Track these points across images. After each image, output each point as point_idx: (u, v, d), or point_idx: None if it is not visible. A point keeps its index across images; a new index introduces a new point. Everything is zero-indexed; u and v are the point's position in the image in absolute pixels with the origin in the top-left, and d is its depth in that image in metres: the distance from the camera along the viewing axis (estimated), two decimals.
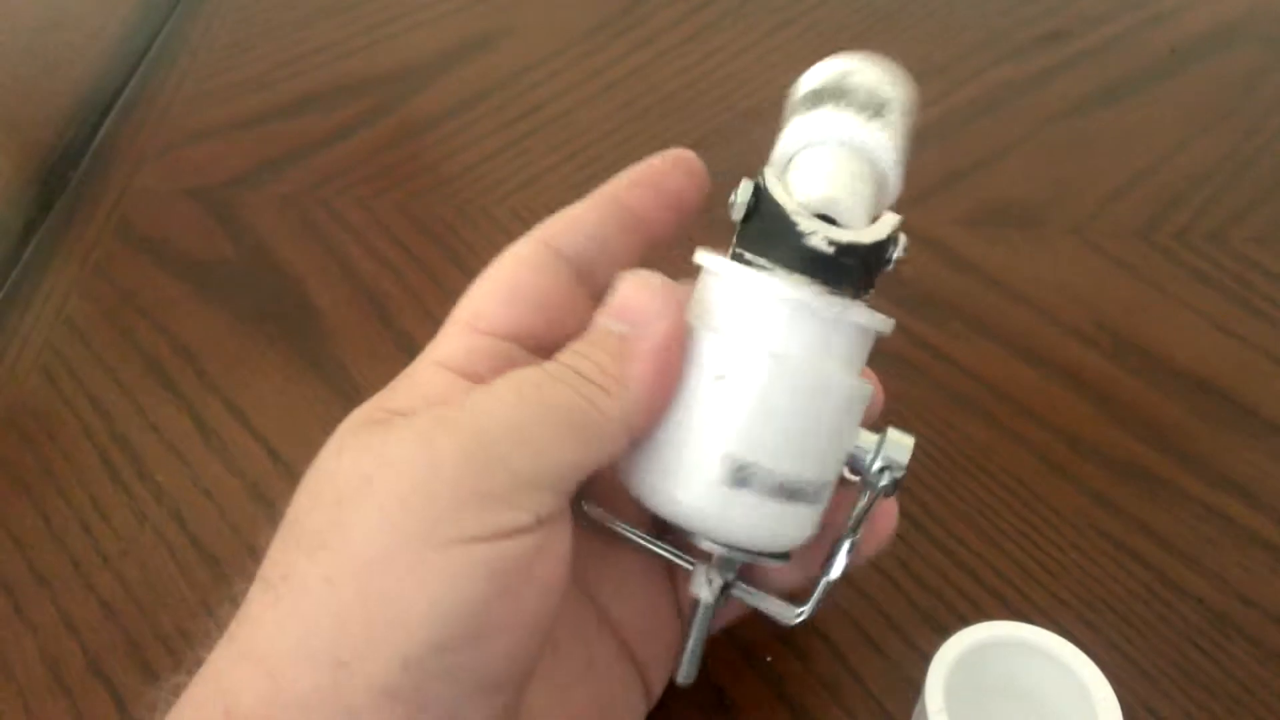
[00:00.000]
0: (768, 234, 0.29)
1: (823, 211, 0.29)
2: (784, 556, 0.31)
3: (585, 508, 0.32)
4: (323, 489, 0.27)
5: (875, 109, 0.30)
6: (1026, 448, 0.42)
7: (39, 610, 0.39)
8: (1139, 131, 0.55)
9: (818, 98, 0.30)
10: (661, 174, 0.33)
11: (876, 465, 0.30)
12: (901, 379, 0.44)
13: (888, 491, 0.30)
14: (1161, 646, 0.36)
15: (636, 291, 0.28)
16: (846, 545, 0.31)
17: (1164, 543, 0.39)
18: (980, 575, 0.38)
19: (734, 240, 0.30)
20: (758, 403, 0.28)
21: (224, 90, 0.62)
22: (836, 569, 0.31)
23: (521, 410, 0.26)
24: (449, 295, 0.31)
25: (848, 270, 0.28)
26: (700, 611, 0.32)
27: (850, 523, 0.31)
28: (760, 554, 0.30)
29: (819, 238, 0.28)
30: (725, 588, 0.31)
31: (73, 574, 0.40)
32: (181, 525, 0.41)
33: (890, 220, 0.29)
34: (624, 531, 0.32)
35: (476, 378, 0.28)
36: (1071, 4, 0.63)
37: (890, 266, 0.29)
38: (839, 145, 0.30)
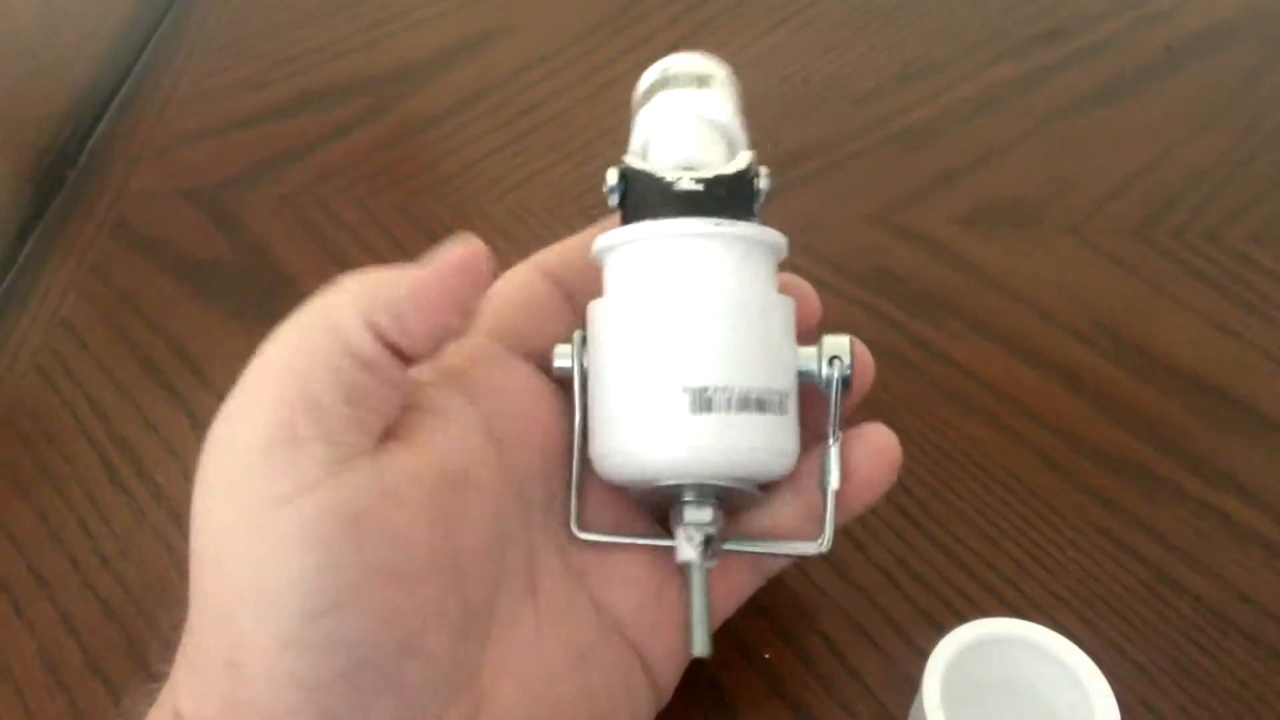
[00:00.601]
0: (645, 201, 0.31)
1: (687, 167, 0.32)
2: (751, 487, 0.32)
3: (579, 534, 0.32)
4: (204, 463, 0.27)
5: (700, 81, 0.34)
6: (1024, 446, 0.42)
7: (37, 610, 0.39)
8: (1136, 130, 0.55)
9: (650, 91, 0.34)
10: None
11: (824, 366, 0.32)
12: (899, 378, 0.44)
13: (844, 387, 0.32)
14: (1159, 643, 0.36)
15: (462, 249, 0.29)
16: (834, 450, 0.32)
17: (1162, 540, 0.39)
18: (978, 573, 0.38)
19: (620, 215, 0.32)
20: (691, 331, 0.30)
21: (221, 90, 0.61)
22: (833, 476, 0.32)
23: (298, 342, 0.27)
24: None
25: (724, 201, 0.31)
26: (694, 575, 0.31)
27: (831, 426, 0.32)
28: (742, 483, 0.31)
29: (686, 180, 0.31)
30: (708, 542, 0.31)
31: (71, 573, 0.40)
32: (179, 525, 0.41)
33: (745, 155, 0.32)
34: (624, 541, 0.33)
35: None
36: (1069, 3, 0.63)
37: (762, 197, 0.32)
38: (681, 117, 0.33)
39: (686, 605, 0.32)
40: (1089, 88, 0.58)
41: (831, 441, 0.32)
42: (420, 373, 0.30)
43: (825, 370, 0.32)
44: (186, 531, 0.40)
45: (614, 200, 0.32)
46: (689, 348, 0.30)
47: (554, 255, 0.34)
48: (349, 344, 0.27)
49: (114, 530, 0.41)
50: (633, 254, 0.31)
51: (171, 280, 0.51)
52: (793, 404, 0.31)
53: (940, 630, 0.32)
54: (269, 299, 0.50)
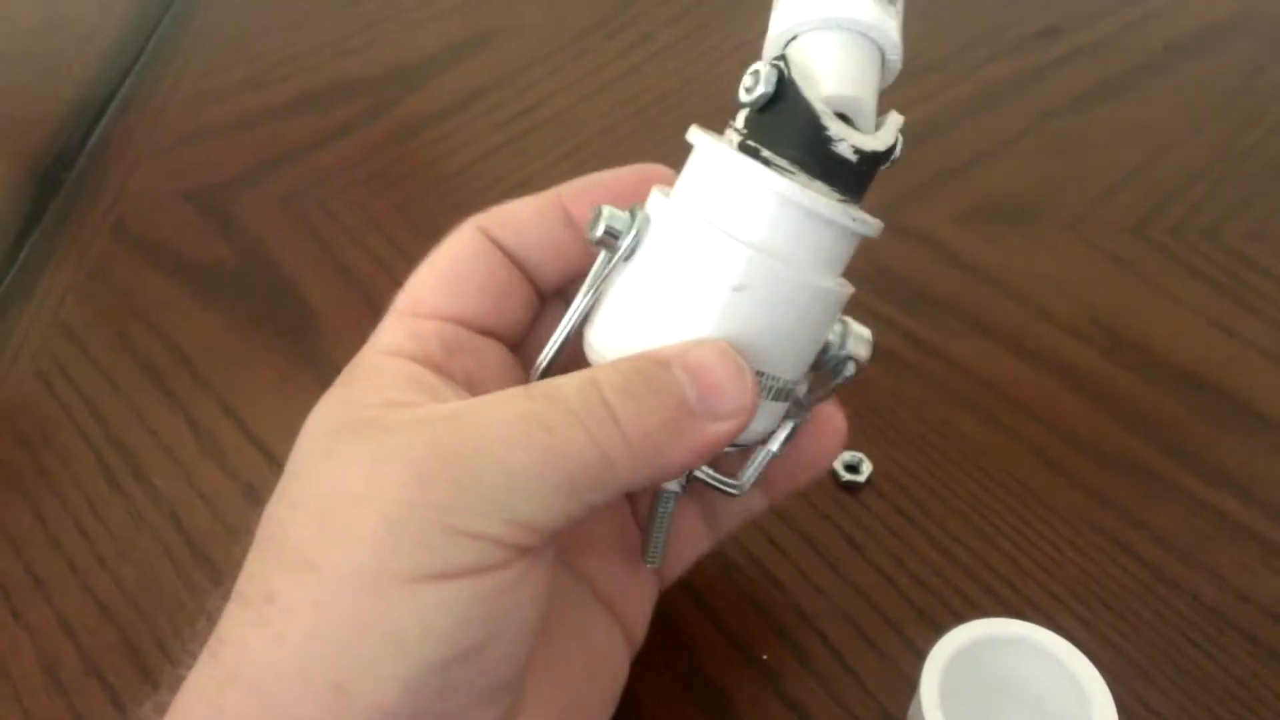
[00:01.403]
0: (788, 132, 0.27)
1: (841, 109, 0.27)
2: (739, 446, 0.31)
3: None
4: (305, 500, 0.26)
5: None
6: (1022, 444, 0.42)
7: (35, 612, 0.39)
8: (1133, 128, 0.55)
9: None
10: (620, 182, 0.32)
11: (841, 354, 0.30)
12: (896, 376, 0.44)
13: (846, 382, 0.30)
14: (1157, 642, 0.36)
15: (729, 374, 0.27)
16: (792, 425, 0.31)
17: (1159, 539, 0.39)
18: (976, 572, 0.38)
19: (740, 125, 0.28)
20: (779, 320, 0.28)
21: (219, 91, 0.62)
22: (777, 444, 0.31)
23: (527, 457, 0.25)
24: None
25: (862, 178, 0.28)
26: (666, 501, 0.31)
27: (805, 405, 0.31)
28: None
29: (846, 145, 0.27)
30: (687, 475, 0.31)
31: (69, 576, 0.40)
32: (178, 527, 0.41)
33: (895, 121, 0.29)
34: None
35: (433, 362, 0.29)
36: (1065, 1, 0.63)
37: (889, 165, 0.29)
38: (849, 32, 0.28)
39: (649, 520, 0.31)
40: (1086, 86, 0.58)
41: (798, 420, 0.31)
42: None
43: (838, 356, 0.30)
44: (184, 533, 0.40)
45: (751, 98, 0.27)
46: (772, 335, 0.28)
47: (500, 221, 0.31)
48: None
49: (112, 532, 0.41)
50: (771, 209, 0.27)
51: (170, 282, 0.51)
52: (801, 388, 0.31)
53: (938, 630, 0.32)
54: (267, 300, 0.50)
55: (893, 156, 0.28)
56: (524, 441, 0.25)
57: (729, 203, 0.27)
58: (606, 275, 0.29)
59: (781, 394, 0.29)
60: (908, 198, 0.52)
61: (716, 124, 0.57)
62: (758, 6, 0.67)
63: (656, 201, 0.29)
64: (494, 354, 0.31)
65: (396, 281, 0.49)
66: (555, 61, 0.62)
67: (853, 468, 0.41)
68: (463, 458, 0.25)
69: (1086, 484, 0.41)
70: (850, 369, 0.30)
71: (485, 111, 0.59)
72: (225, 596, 0.27)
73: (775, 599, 0.38)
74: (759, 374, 0.27)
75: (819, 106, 0.27)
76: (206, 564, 0.40)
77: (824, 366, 0.30)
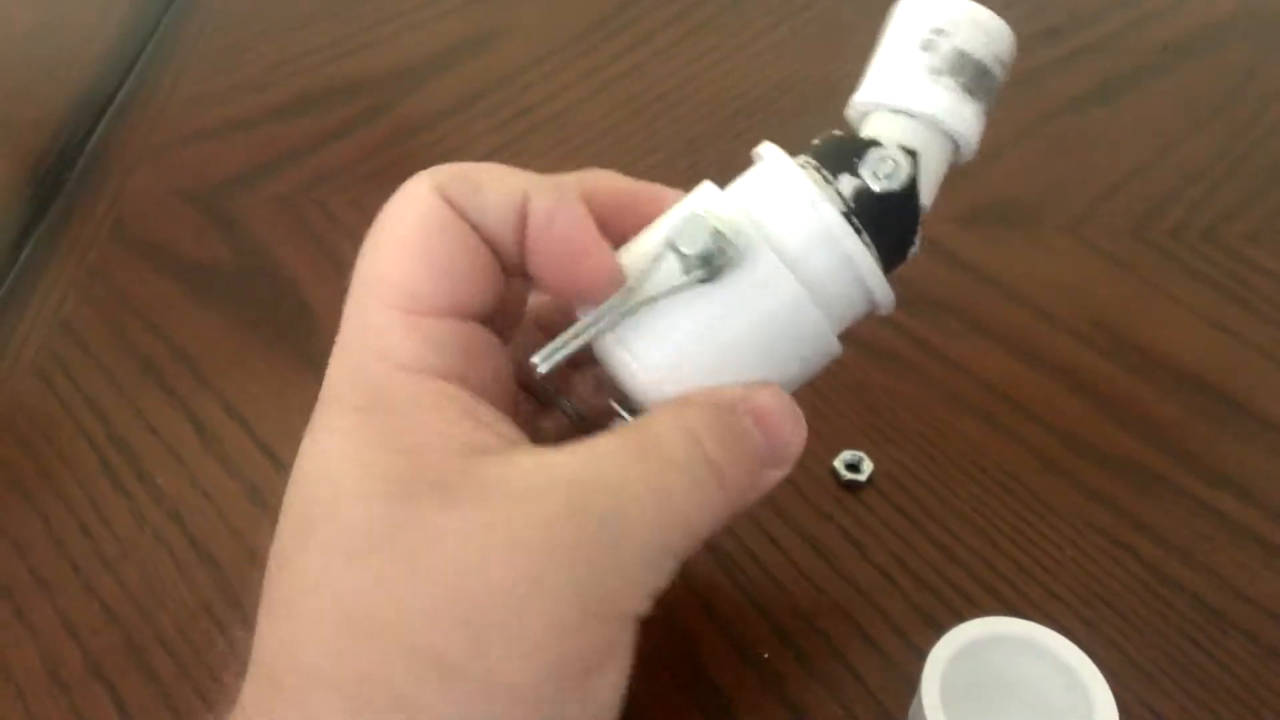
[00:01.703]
0: (890, 226, 0.29)
1: (904, 146, 0.29)
2: None
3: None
4: (420, 584, 0.23)
5: (987, 93, 0.30)
6: (1022, 445, 0.42)
7: (39, 613, 0.39)
8: (1133, 129, 0.55)
9: (942, 60, 0.30)
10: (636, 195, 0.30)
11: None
12: (897, 377, 0.44)
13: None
14: (1158, 642, 0.36)
15: (792, 426, 0.28)
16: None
17: (1160, 539, 0.39)
18: (976, 572, 0.38)
19: (849, 196, 0.29)
20: (804, 376, 0.29)
21: (219, 92, 0.62)
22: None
23: (663, 533, 0.25)
24: None
25: (899, 265, 0.30)
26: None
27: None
28: None
29: (914, 250, 0.30)
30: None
31: (72, 576, 0.40)
32: (181, 527, 0.41)
33: (930, 201, 0.31)
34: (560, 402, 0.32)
35: (456, 374, 0.26)
36: (1065, 2, 0.63)
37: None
38: (952, 152, 0.30)
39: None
40: (1086, 87, 0.58)
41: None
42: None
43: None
44: (187, 533, 0.41)
45: (880, 188, 0.28)
46: (779, 365, 0.28)
47: (465, 191, 0.27)
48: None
49: (114, 532, 0.41)
50: (835, 258, 0.28)
51: (171, 282, 0.51)
52: None
53: (939, 630, 0.32)
54: (268, 300, 0.50)
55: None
56: (661, 520, 0.25)
57: (823, 269, 0.28)
58: (670, 291, 0.27)
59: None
60: None
61: (716, 124, 0.57)
62: (756, 6, 0.67)
63: (750, 238, 0.28)
64: (495, 352, 0.29)
65: None
66: (554, 62, 0.62)
67: (854, 467, 0.41)
68: (608, 542, 0.24)
69: (1087, 484, 0.41)
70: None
71: (484, 112, 0.59)
72: (245, 625, 0.26)
73: (775, 598, 0.38)
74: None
75: (925, 203, 0.29)
76: (210, 564, 0.40)
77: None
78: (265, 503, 0.41)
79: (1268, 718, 0.34)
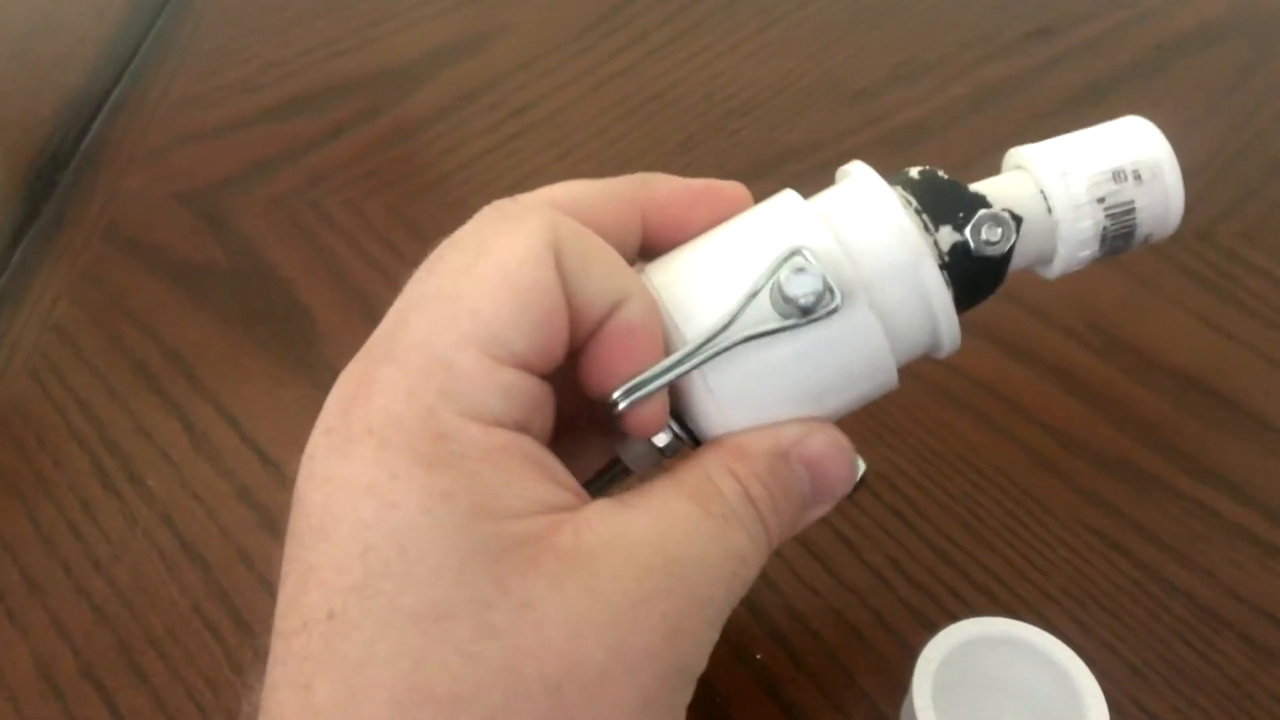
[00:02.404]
0: (975, 285, 0.29)
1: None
2: None
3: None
4: (513, 663, 0.22)
5: (1107, 251, 0.31)
6: (1016, 445, 0.42)
7: (30, 615, 0.39)
8: None
9: (1112, 201, 0.30)
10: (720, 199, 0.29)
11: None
12: None
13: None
14: (1151, 642, 0.36)
15: (840, 465, 0.28)
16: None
17: (1153, 539, 0.39)
18: (969, 572, 0.38)
19: (945, 250, 0.28)
20: (859, 396, 0.28)
21: (213, 93, 0.61)
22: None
23: (732, 594, 0.25)
24: None
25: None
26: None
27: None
28: None
29: (984, 299, 0.29)
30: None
31: (64, 579, 0.40)
32: (172, 529, 0.41)
33: None
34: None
35: (527, 429, 0.25)
36: (1058, 2, 0.63)
37: None
38: (1052, 242, 0.30)
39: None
40: (1079, 87, 0.58)
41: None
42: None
43: None
44: (178, 535, 0.40)
45: (989, 251, 0.28)
46: (835, 401, 0.28)
47: (580, 253, 0.26)
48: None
49: (106, 535, 0.41)
50: (930, 324, 0.28)
51: (164, 284, 0.51)
52: None
53: (932, 629, 0.32)
54: (261, 302, 0.50)
55: None
56: (732, 582, 0.25)
57: (906, 317, 0.28)
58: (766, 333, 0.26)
59: None
60: None
61: (710, 123, 0.57)
62: (750, 7, 0.67)
63: (850, 284, 0.27)
64: (551, 400, 0.26)
65: (390, 282, 0.50)
66: (549, 62, 0.62)
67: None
68: (697, 610, 0.24)
69: (1081, 484, 0.41)
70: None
71: (479, 113, 0.59)
72: (255, 652, 0.25)
73: (769, 599, 0.38)
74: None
75: (1018, 264, 0.29)
76: (201, 565, 0.40)
77: None
78: (255, 503, 0.41)
79: (1259, 717, 0.34)
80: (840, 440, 0.28)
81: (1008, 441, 0.42)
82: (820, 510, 0.28)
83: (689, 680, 0.25)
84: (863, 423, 0.42)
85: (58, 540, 0.41)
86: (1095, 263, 0.31)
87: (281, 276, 0.51)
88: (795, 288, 0.26)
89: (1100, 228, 0.29)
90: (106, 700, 0.36)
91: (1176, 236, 0.49)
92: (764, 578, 0.38)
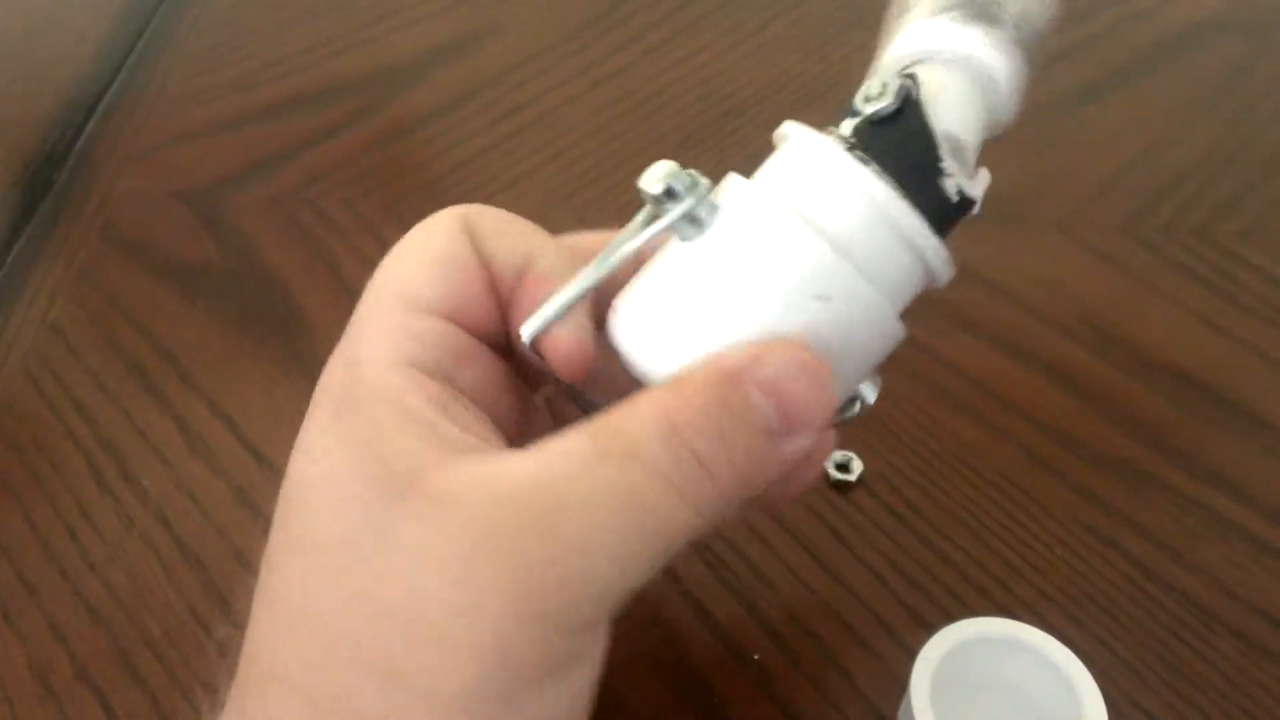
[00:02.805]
0: (901, 153, 0.26)
1: (951, 153, 0.27)
2: None
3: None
4: (368, 590, 0.23)
5: (1028, 46, 0.27)
6: (1012, 443, 0.42)
7: (26, 618, 0.39)
8: (1123, 127, 0.55)
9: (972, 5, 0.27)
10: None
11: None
12: (886, 375, 0.44)
13: (847, 421, 0.29)
14: (1147, 641, 0.36)
15: (808, 387, 0.24)
16: None
17: (1149, 537, 0.39)
18: (966, 571, 0.38)
19: (848, 134, 0.26)
20: (847, 346, 0.26)
21: (209, 91, 0.61)
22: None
23: (632, 542, 0.23)
24: None
25: (952, 222, 0.27)
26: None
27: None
28: None
29: (952, 184, 0.26)
30: None
31: (60, 581, 0.40)
32: (168, 530, 0.41)
33: (985, 178, 0.28)
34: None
35: (443, 373, 0.26)
36: None
37: (962, 220, 0.27)
38: (979, 78, 0.27)
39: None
40: (1075, 85, 0.58)
41: None
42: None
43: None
44: (174, 536, 0.40)
45: (872, 109, 0.26)
46: (832, 350, 0.25)
47: (489, 232, 0.28)
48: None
49: (102, 536, 0.41)
50: (857, 210, 0.25)
51: (159, 283, 0.51)
52: None
53: (929, 629, 0.32)
54: (257, 301, 0.50)
55: (973, 211, 0.27)
56: (626, 526, 0.23)
57: (826, 203, 0.26)
58: (649, 247, 0.26)
59: None
60: None
61: (707, 123, 0.57)
62: (747, 5, 0.67)
63: (735, 183, 0.26)
64: (487, 360, 0.28)
65: None
66: (545, 61, 0.62)
67: (844, 467, 0.41)
68: (568, 552, 0.23)
69: (1077, 482, 0.41)
70: (855, 409, 0.29)
71: (475, 112, 0.59)
72: (235, 625, 0.26)
73: (766, 599, 0.38)
74: None
75: (939, 137, 0.26)
76: (197, 566, 0.40)
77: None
78: (251, 503, 0.41)
79: (1256, 715, 0.34)
80: (804, 358, 0.24)
81: (1004, 440, 0.42)
82: (798, 442, 0.25)
83: (572, 628, 0.23)
84: (858, 422, 0.42)
85: (53, 542, 0.41)
86: (1024, 46, 0.28)
87: (277, 276, 0.51)
88: (653, 184, 0.25)
89: (955, 18, 0.27)
90: (103, 702, 0.36)
91: (1173, 234, 0.50)
92: (761, 577, 0.38)
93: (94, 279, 0.51)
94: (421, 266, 0.27)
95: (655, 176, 0.25)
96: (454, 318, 0.27)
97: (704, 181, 0.26)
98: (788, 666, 0.36)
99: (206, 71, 0.63)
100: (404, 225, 0.52)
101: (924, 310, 0.47)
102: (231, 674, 0.25)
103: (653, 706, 0.35)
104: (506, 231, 0.28)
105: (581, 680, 0.24)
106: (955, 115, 0.27)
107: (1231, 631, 0.36)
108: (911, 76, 0.27)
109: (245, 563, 0.39)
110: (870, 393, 0.28)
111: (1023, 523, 0.40)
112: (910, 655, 0.31)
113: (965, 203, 0.27)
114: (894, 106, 0.26)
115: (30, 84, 0.62)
